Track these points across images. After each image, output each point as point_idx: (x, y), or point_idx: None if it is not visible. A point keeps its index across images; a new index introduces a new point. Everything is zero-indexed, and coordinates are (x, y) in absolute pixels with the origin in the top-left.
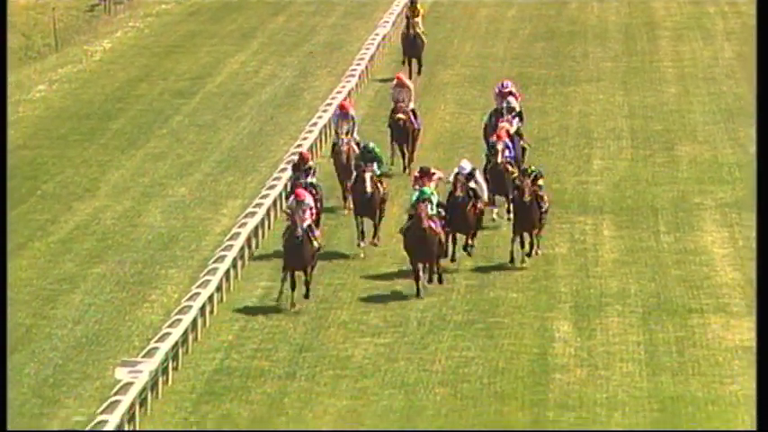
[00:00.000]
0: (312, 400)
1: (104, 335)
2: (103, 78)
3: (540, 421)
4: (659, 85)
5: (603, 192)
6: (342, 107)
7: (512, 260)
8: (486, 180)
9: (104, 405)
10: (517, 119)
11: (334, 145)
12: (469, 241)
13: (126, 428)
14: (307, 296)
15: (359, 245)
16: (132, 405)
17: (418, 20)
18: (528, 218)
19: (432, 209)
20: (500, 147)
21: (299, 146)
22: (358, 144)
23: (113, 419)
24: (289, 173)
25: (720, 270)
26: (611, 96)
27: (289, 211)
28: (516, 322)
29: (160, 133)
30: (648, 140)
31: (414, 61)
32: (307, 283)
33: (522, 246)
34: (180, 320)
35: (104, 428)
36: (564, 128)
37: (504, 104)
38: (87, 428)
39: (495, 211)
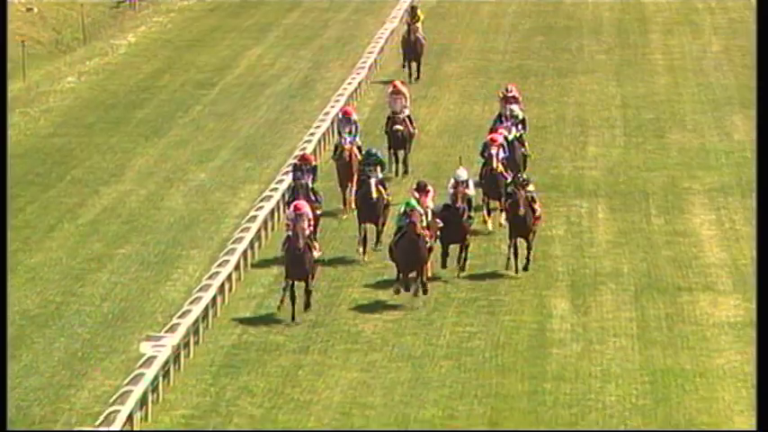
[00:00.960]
0: (324, 373)
1: (130, 311)
2: (128, 70)
3: (538, 392)
4: (650, 77)
5: (598, 177)
6: (345, 113)
7: (507, 267)
8: (481, 185)
9: (130, 377)
10: (519, 126)
11: (337, 147)
12: (463, 253)
13: (150, 401)
14: (307, 306)
15: (361, 252)
16: (156, 377)
17: (418, 25)
18: (523, 227)
19: (421, 220)
20: (494, 151)
21: (312, 134)
22: (359, 148)
23: (138, 390)
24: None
25: (708, 250)
26: (604, 87)
27: (288, 221)
28: (516, 299)
29: (182, 122)
30: (640, 129)
31: (413, 64)
32: (308, 293)
33: (517, 255)
34: (200, 298)
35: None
36: (561, 117)
37: (507, 111)
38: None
39: (490, 222)
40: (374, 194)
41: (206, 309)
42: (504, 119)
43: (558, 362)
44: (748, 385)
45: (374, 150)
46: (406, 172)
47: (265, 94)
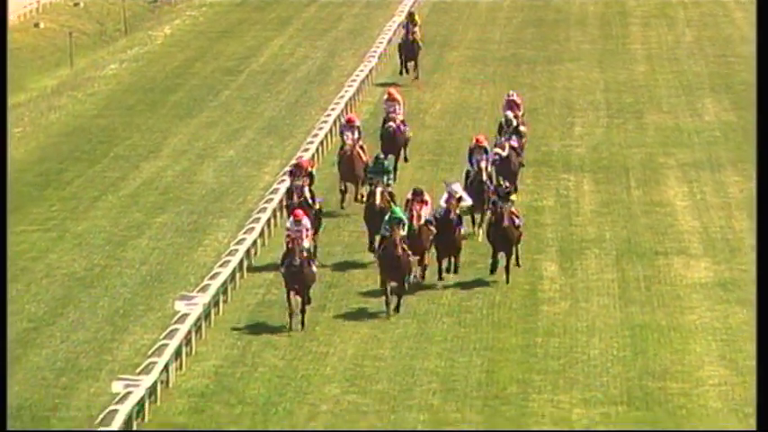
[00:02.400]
0: (339, 328)
1: (165, 273)
2: (165, 58)
3: (530, 345)
4: (630, 64)
5: (583, 153)
6: (349, 120)
7: (492, 271)
8: (467, 191)
9: (165, 332)
10: (515, 136)
11: (341, 150)
12: (457, 262)
13: (184, 353)
14: (302, 325)
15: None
16: (189, 332)
17: (416, 29)
18: (507, 240)
19: (403, 231)
20: (483, 165)
21: (325, 121)
22: (362, 148)
23: (173, 344)
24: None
25: (681, 219)
26: (589, 73)
27: (288, 232)
28: (511, 263)
29: (212, 105)
30: (621, 111)
31: (410, 64)
32: (302, 311)
33: (508, 267)
34: (228, 261)
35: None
36: (550, 100)
37: (503, 119)
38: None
39: (480, 231)
40: (378, 202)
41: (233, 271)
42: (503, 128)
43: (547, 318)
44: (717, 339)
45: (382, 157)
46: (405, 159)
47: (286, 80)
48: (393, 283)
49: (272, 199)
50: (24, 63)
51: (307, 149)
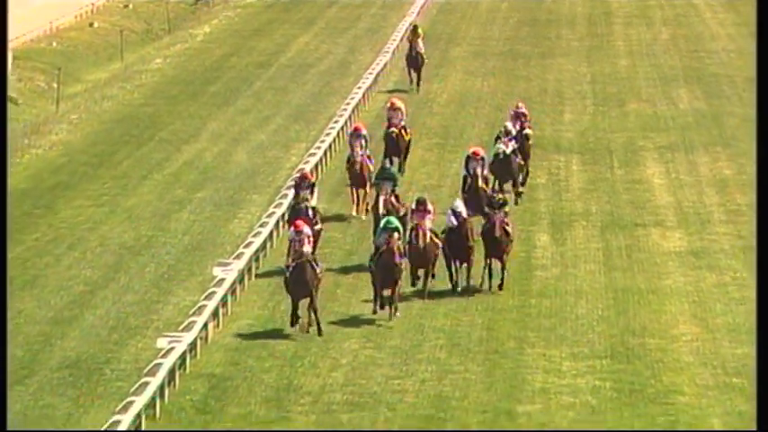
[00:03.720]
0: (358, 290)
1: (205, 242)
2: (204, 54)
3: (524, 306)
4: (613, 59)
5: (572, 137)
6: (356, 129)
7: (482, 283)
8: (465, 200)
9: (205, 294)
10: (513, 141)
11: (349, 158)
12: (471, 272)
13: (221, 313)
14: (319, 333)
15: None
16: (225, 294)
17: (419, 41)
18: (498, 248)
19: (399, 239)
20: (479, 171)
21: (342, 115)
22: (369, 157)
23: (211, 305)
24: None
25: (658, 195)
26: (577, 67)
27: (290, 241)
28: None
29: (246, 94)
30: (605, 100)
31: (414, 75)
32: (314, 311)
33: (491, 276)
34: (260, 232)
35: (192, 330)
36: (543, 90)
37: (503, 129)
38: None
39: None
40: (381, 210)
41: (265, 241)
42: (500, 138)
43: (540, 282)
44: (689, 300)
45: (388, 165)
46: (401, 174)
47: (311, 73)
48: (387, 292)
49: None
50: (80, 58)
51: (329, 133)
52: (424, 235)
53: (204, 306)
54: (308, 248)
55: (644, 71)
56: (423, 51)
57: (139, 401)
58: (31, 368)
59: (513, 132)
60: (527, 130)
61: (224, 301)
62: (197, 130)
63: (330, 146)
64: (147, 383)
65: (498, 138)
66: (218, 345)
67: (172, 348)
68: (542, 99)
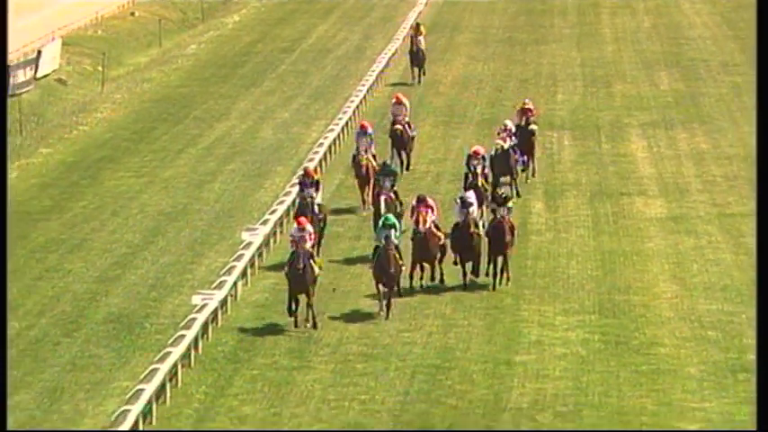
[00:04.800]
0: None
1: (234, 210)
2: (234, 40)
3: (521, 267)
4: (601, 45)
5: (564, 115)
6: (362, 126)
7: (487, 274)
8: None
9: (234, 256)
10: (513, 138)
11: (354, 157)
12: (479, 267)
13: (249, 273)
14: (314, 326)
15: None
16: (253, 257)
17: (421, 38)
18: (502, 245)
19: (396, 237)
20: (479, 169)
21: (358, 95)
22: (374, 156)
23: (240, 266)
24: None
25: (641, 167)
26: (569, 52)
27: (292, 237)
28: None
29: (271, 77)
30: (594, 81)
31: (415, 70)
32: (312, 313)
33: (496, 274)
34: (284, 201)
35: (223, 288)
36: (538, 73)
37: (501, 126)
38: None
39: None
40: (383, 210)
41: (288, 208)
42: (500, 133)
43: (536, 245)
44: (669, 261)
45: (389, 162)
46: (407, 168)
47: (329, 57)
48: (385, 289)
49: (318, 151)
50: (122, 44)
51: (346, 111)
52: (424, 222)
53: (234, 267)
54: (308, 247)
55: (628, 56)
56: (424, 47)
57: (176, 352)
58: (78, 322)
59: (513, 129)
60: (532, 126)
61: (251, 263)
62: (227, 109)
63: (347, 122)
64: (182, 336)
65: (499, 134)
66: (247, 302)
67: (205, 305)
68: (537, 81)
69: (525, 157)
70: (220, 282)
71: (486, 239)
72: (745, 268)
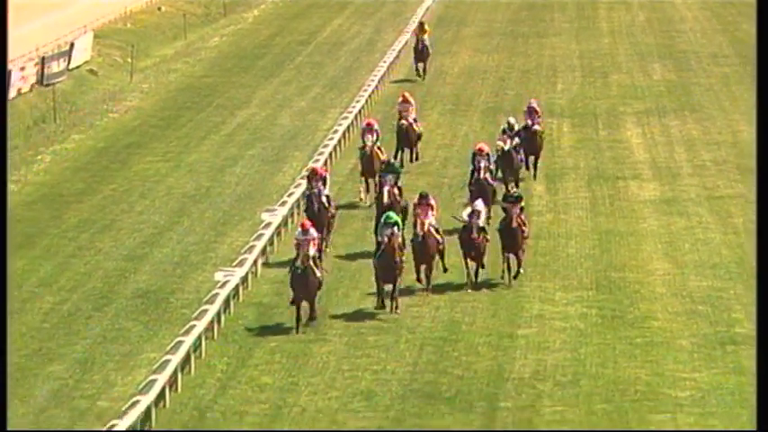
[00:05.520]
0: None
1: (254, 192)
2: (254, 33)
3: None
4: (598, 38)
5: (563, 104)
6: (368, 124)
7: (502, 277)
8: (470, 191)
9: (254, 235)
10: (516, 138)
11: (361, 149)
12: (480, 269)
13: (268, 251)
14: (312, 319)
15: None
16: (272, 236)
17: (425, 36)
18: (515, 241)
19: (398, 233)
20: (483, 164)
21: (370, 85)
22: (380, 149)
23: (260, 244)
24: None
25: (636, 152)
26: (568, 45)
27: (296, 240)
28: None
29: (289, 67)
30: (592, 72)
31: (420, 65)
32: (312, 317)
33: (509, 269)
34: (300, 184)
35: (244, 265)
36: (539, 64)
37: (506, 123)
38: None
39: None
40: (386, 200)
41: (305, 191)
42: (505, 131)
43: (536, 226)
44: (662, 241)
45: (392, 160)
46: (416, 159)
47: (343, 50)
48: (389, 287)
49: (332, 138)
50: (149, 37)
51: (359, 100)
52: (422, 225)
53: (254, 246)
54: (312, 251)
55: (624, 48)
56: (429, 45)
57: (200, 325)
58: (108, 298)
59: (516, 126)
60: (536, 127)
61: (271, 242)
62: (248, 98)
63: (360, 111)
64: (206, 310)
65: (504, 132)
66: (266, 278)
67: (227, 281)
68: (538, 72)
69: (523, 157)
70: (241, 259)
71: (499, 238)
72: (733, 247)
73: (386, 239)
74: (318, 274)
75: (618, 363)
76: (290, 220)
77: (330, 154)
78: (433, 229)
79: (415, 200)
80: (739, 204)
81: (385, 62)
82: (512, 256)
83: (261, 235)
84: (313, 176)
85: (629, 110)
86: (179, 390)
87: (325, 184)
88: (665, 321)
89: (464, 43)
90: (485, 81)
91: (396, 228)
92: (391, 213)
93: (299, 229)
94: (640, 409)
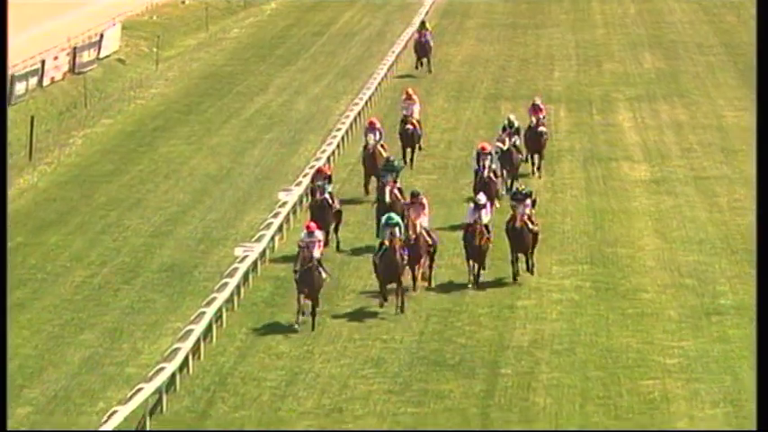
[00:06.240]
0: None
1: (273, 174)
2: (271, 25)
3: None
4: (592, 29)
5: (560, 90)
6: (370, 123)
7: (515, 277)
8: (474, 189)
9: (272, 213)
10: (516, 136)
11: (365, 148)
12: (481, 270)
13: (284, 228)
14: (312, 326)
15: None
16: (288, 214)
17: (427, 33)
18: (522, 241)
19: (400, 234)
20: (487, 163)
21: (380, 73)
22: (383, 146)
23: (277, 221)
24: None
25: (628, 135)
26: (564, 35)
27: (301, 242)
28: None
29: (304, 57)
30: (587, 60)
31: (424, 60)
32: (313, 314)
33: (518, 260)
34: (314, 165)
35: (262, 240)
36: (537, 53)
37: (506, 120)
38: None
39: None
40: (388, 199)
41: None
42: (505, 128)
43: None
44: (652, 218)
45: (392, 158)
46: (412, 163)
47: (355, 40)
48: (392, 285)
49: (345, 121)
50: (173, 29)
51: (368, 88)
52: (414, 228)
53: (271, 223)
54: (317, 254)
55: (616, 38)
56: (430, 40)
57: (221, 297)
58: (135, 271)
59: (516, 124)
60: (541, 128)
61: (287, 219)
62: (265, 85)
63: (370, 97)
64: (226, 283)
65: (504, 129)
66: (283, 253)
67: (246, 256)
68: (536, 60)
69: (522, 155)
70: (259, 236)
71: (507, 237)
72: (718, 224)
73: (386, 242)
74: (324, 275)
75: (610, 332)
76: (305, 199)
77: (343, 136)
78: (424, 232)
79: (407, 199)
80: (724, 184)
81: (393, 52)
82: (521, 256)
83: (278, 213)
84: (317, 176)
85: (621, 96)
86: (201, 357)
87: (329, 182)
88: (654, 293)
89: (467, 34)
90: (486, 69)
91: (397, 229)
92: (392, 215)
93: (305, 230)
94: (631, 375)
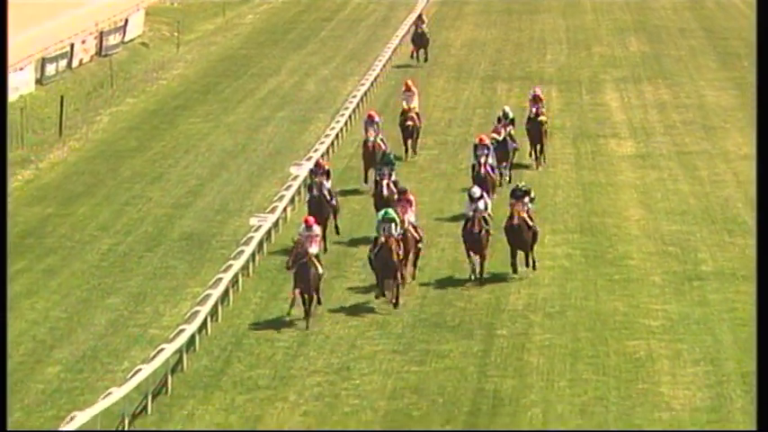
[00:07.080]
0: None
1: (284, 149)
2: (283, 11)
3: None
4: (582, 14)
5: (552, 72)
6: (369, 116)
7: (515, 271)
8: (473, 182)
9: (284, 186)
10: (510, 126)
11: (365, 142)
12: (484, 264)
13: (296, 200)
14: (307, 324)
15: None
16: (299, 188)
17: (424, 25)
18: (520, 239)
19: (396, 230)
20: (483, 159)
21: (385, 55)
22: (383, 140)
23: (289, 193)
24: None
25: (615, 114)
26: (556, 20)
27: (300, 236)
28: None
29: (314, 40)
30: (577, 44)
31: (421, 51)
32: (307, 313)
33: (514, 265)
34: (324, 141)
35: (275, 211)
36: (531, 37)
37: (501, 113)
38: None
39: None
40: (386, 193)
41: (328, 148)
42: (501, 119)
43: (527, 178)
44: (638, 191)
45: (389, 152)
46: (414, 152)
47: (362, 25)
48: (390, 281)
49: (352, 101)
50: (193, 14)
51: (374, 68)
52: (402, 223)
53: (284, 195)
54: (314, 249)
55: (604, 23)
56: (427, 32)
57: (237, 264)
58: (158, 240)
59: (511, 116)
60: (541, 117)
61: (299, 192)
62: (278, 67)
63: (376, 78)
64: (242, 251)
65: (499, 120)
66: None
67: (260, 226)
68: (530, 44)
69: (517, 144)
70: (273, 207)
71: (506, 235)
72: (699, 196)
73: (382, 238)
74: (321, 270)
75: (599, 296)
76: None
77: (350, 115)
78: (411, 228)
79: (397, 195)
80: (704, 159)
81: (397, 36)
82: (521, 253)
83: (290, 186)
84: (316, 170)
85: (608, 77)
86: (219, 320)
87: (328, 177)
88: (639, 260)
89: (466, 19)
90: (484, 52)
91: (393, 225)
92: (389, 210)
93: (303, 225)
94: (618, 336)
